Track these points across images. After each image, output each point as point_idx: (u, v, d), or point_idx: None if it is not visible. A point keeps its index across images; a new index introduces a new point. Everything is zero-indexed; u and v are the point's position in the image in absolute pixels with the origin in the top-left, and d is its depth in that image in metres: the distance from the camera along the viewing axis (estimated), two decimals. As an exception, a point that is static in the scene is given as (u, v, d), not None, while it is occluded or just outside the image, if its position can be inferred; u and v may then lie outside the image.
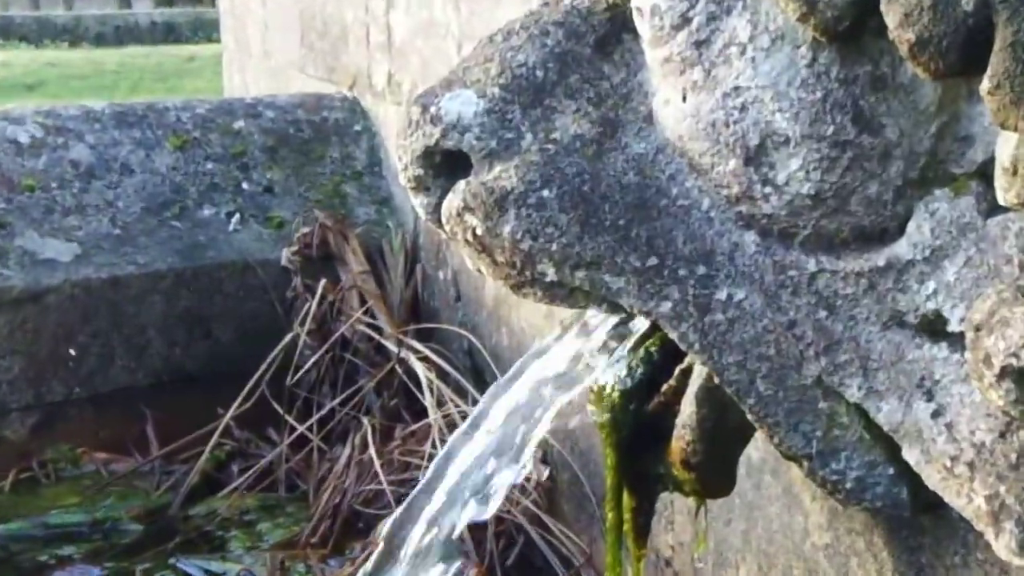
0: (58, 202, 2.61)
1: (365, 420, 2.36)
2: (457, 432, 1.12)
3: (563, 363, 1.08)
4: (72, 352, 2.52)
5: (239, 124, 2.89)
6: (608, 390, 1.11)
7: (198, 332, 2.62)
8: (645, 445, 1.12)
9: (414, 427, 2.32)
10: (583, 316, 1.09)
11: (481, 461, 1.08)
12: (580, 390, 1.08)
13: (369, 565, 1.11)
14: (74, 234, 2.57)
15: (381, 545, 1.09)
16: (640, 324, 1.06)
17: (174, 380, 2.60)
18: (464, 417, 1.68)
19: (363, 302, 2.63)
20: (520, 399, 1.08)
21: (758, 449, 1.40)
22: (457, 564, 1.10)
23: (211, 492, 2.40)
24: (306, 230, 2.71)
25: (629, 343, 1.08)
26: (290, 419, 2.44)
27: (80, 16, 15.45)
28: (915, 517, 1.06)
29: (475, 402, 1.77)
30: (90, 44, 13.69)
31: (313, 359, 2.52)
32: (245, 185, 2.82)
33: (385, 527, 1.11)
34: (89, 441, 2.52)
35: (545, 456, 2.10)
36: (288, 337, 2.53)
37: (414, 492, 1.10)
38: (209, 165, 2.80)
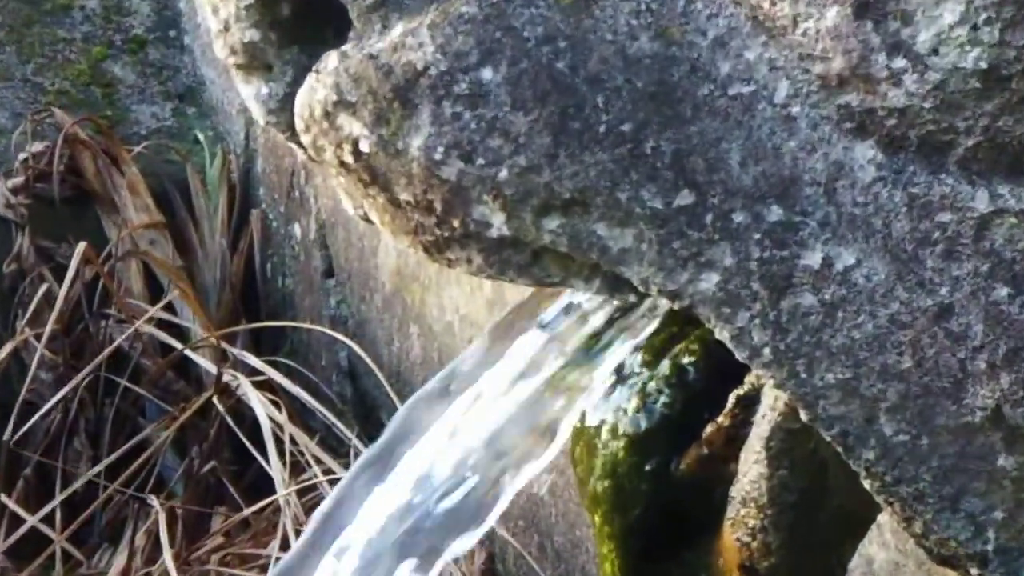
0: None
1: (155, 502, 2.36)
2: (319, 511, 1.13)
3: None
4: None
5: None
6: (606, 436, 1.11)
7: None
8: (673, 536, 1.13)
9: (247, 512, 2.32)
10: (561, 300, 1.10)
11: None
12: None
13: None
14: None
15: None
16: (661, 312, 1.07)
17: None
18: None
19: (152, 283, 2.62)
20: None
21: (884, 546, 1.42)
22: None
23: None
24: (39, 147, 2.70)
25: (641, 348, 1.09)
26: (10, 503, 2.43)
27: None
28: None
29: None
30: None
31: (60, 395, 2.51)
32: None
33: None
34: None
35: (492, 557, 2.11)
36: (7, 348, 2.52)
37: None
38: None
